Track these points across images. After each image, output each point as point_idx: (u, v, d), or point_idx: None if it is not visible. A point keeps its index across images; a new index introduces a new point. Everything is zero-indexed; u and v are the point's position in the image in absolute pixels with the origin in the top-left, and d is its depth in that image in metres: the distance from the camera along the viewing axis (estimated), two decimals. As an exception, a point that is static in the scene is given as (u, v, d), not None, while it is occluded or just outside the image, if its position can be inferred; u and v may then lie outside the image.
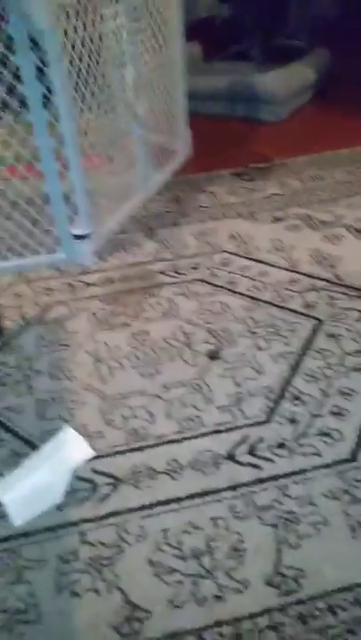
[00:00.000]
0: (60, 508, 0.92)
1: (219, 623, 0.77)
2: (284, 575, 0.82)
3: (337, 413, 1.06)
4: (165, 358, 1.21)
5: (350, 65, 2.97)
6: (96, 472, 0.98)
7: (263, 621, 0.77)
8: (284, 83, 2.40)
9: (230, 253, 1.56)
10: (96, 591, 0.81)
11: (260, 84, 2.39)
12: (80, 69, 1.38)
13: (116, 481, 0.96)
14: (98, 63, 1.46)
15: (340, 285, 1.40)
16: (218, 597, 0.80)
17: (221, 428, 1.04)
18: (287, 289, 1.41)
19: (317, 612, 0.78)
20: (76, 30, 1.32)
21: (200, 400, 1.10)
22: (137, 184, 1.79)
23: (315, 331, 1.27)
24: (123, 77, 1.60)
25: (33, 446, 1.03)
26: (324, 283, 1.42)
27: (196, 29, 2.95)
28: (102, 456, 1.00)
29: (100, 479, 0.96)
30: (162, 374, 1.17)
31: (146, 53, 1.69)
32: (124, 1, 1.50)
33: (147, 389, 1.13)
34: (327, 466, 0.97)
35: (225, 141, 2.29)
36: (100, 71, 1.48)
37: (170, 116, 1.94)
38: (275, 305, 1.35)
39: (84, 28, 1.37)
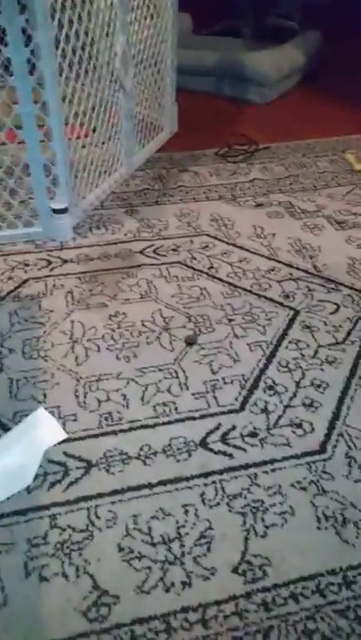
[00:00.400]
0: (29, 490, 0.91)
1: (185, 609, 0.78)
2: (250, 563, 0.84)
3: (309, 405, 1.08)
4: (142, 342, 1.20)
5: (342, 50, 2.95)
6: (68, 455, 0.97)
7: (229, 608, 0.79)
8: (274, 64, 2.37)
9: (211, 237, 1.55)
10: (65, 576, 0.81)
11: (249, 63, 2.35)
12: (68, 35, 1.32)
13: (87, 465, 0.95)
14: (87, 30, 1.40)
15: (319, 277, 1.41)
16: (185, 584, 0.81)
17: (195, 414, 1.05)
18: (266, 277, 1.41)
19: (281, 600, 0.80)
20: (65, -6, 1.26)
21: (175, 386, 1.10)
22: (120, 158, 1.75)
23: (291, 321, 1.28)
24: (112, 46, 1.54)
25: (4, 427, 1.01)
26: (302, 273, 1.43)
27: (187, 0, 2.86)
28: (75, 439, 0.99)
29: (71, 462, 0.96)
30: (138, 358, 1.16)
31: (137, 23, 1.63)
32: (117, -34, 1.43)
33: (122, 373, 1.12)
34: (297, 456, 0.99)
35: (210, 120, 2.25)
36: (88, 38, 1.42)
37: (158, 90, 1.89)
38: (253, 293, 1.35)
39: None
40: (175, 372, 1.13)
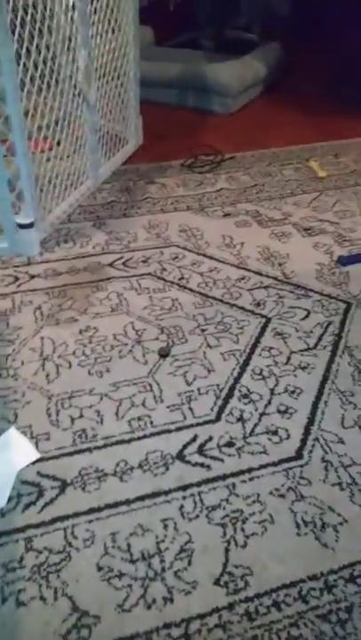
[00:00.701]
0: (3, 513, 0.89)
1: (168, 625, 0.77)
2: (231, 574, 0.83)
3: (283, 412, 1.09)
4: (115, 356, 1.19)
5: (301, 60, 3.02)
6: (42, 475, 0.95)
7: (212, 621, 0.78)
8: (236, 75, 2.40)
9: (181, 248, 1.56)
10: (43, 599, 0.79)
11: (211, 74, 2.38)
12: (29, 49, 1.31)
13: (62, 484, 0.94)
14: (48, 45, 1.39)
15: (288, 284, 1.43)
16: (167, 599, 0.80)
17: (171, 427, 1.04)
18: (236, 286, 1.42)
19: (263, 609, 0.80)
20: (25, 10, 1.26)
21: (150, 399, 1.09)
22: (86, 171, 1.74)
23: (263, 329, 1.29)
24: (74, 60, 1.54)
25: (-25, 448, 0.99)
26: (272, 280, 1.44)
27: (148, 13, 2.89)
28: (48, 458, 0.98)
29: (46, 482, 0.94)
30: (111, 372, 1.15)
31: (98, 37, 1.63)
32: (76, -19, 1.43)
33: (95, 388, 1.11)
34: (274, 464, 0.99)
35: (175, 131, 2.26)
36: (50, 53, 1.41)
37: (122, 103, 1.89)
38: (225, 302, 1.36)
39: (34, 7, 1.30)
40: (149, 385, 1.12)
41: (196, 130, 2.29)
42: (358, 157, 2.09)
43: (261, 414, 1.08)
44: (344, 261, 1.50)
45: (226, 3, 3.00)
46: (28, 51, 1.31)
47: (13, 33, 1.22)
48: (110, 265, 1.47)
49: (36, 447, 0.99)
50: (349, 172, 1.98)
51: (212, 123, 2.36)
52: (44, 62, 1.40)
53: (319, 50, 2.96)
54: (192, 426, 1.05)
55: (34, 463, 0.96)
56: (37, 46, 1.34)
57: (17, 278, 1.41)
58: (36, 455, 0.97)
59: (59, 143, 1.58)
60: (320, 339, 1.26)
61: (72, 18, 1.48)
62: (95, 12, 1.58)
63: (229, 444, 1.02)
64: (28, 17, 1.28)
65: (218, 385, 1.13)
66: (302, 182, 1.91)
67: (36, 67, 1.36)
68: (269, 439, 1.03)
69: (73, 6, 1.47)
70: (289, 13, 3.95)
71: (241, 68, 2.47)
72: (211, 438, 1.02)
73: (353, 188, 1.88)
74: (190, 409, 1.08)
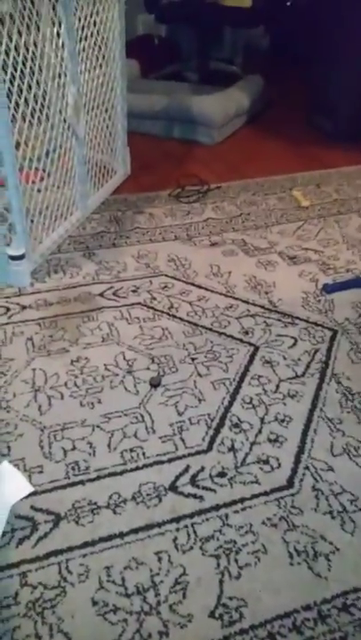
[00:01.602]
0: (-2, 549, 0.89)
1: (163, 661, 0.77)
2: (226, 606, 0.84)
3: (274, 440, 1.10)
4: (106, 386, 1.20)
5: (282, 91, 3.11)
6: (35, 509, 0.95)
7: (207, 655, 0.78)
8: (221, 107, 2.47)
9: (170, 277, 1.58)
10: (38, 637, 0.78)
11: (197, 106, 2.45)
12: (20, 87, 1.35)
13: (56, 517, 0.94)
14: (38, 81, 1.43)
15: (275, 312, 1.46)
16: (162, 633, 0.80)
17: (163, 458, 1.05)
18: (225, 314, 1.44)
19: (258, 642, 0.80)
20: (16, 49, 1.30)
21: (142, 430, 1.10)
22: (75, 202, 1.77)
23: (252, 357, 1.31)
24: (63, 96, 1.58)
25: (-32, 482, 0.98)
26: (259, 309, 1.47)
27: (134, 47, 2.97)
28: (42, 492, 0.98)
29: (39, 516, 0.94)
30: (102, 403, 1.16)
31: (87, 72, 1.68)
32: (66, 21, 1.48)
33: (87, 420, 1.12)
34: (266, 493, 1.00)
35: (162, 162, 2.31)
36: (40, 89, 1.45)
37: (109, 135, 1.94)
38: (214, 330, 1.38)
39: (25, 47, 1.34)
40: (141, 415, 1.14)
41: (183, 160, 2.35)
42: (339, 187, 2.16)
43: (252, 443, 1.09)
44: (329, 289, 1.54)
45: (209, 36, 3.10)
46: (20, 88, 1.35)
47: (6, 72, 1.26)
48: (101, 295, 1.49)
49: (30, 480, 0.99)
50: (331, 201, 2.04)
51: (197, 153, 2.42)
52: (35, 99, 1.44)
53: (298, 82, 3.06)
54: (184, 456, 1.06)
55: (27, 497, 0.96)
56: (29, 84, 1.38)
57: (8, 309, 1.42)
58: (29, 489, 0.97)
59: (49, 175, 1.61)
60: (308, 366, 1.28)
61: (61, 56, 1.52)
62: (84, 50, 1.63)
63: (221, 475, 1.03)
64: (20, 57, 1.32)
65: (209, 414, 1.15)
66: (286, 211, 1.96)
67: (27, 103, 1.39)
68: (261, 468, 1.04)
69: (62, 45, 1.51)
70: (269, 47, 4.09)
71: (225, 99, 2.54)
72: (203, 469, 1.04)
73: (335, 216, 1.94)
74: (182, 439, 1.09)
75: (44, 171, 1.57)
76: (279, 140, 2.59)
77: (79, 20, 1.57)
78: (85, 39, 1.64)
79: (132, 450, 1.06)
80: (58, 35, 1.48)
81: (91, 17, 1.64)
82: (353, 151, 2.46)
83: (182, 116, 2.49)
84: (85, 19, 1.60)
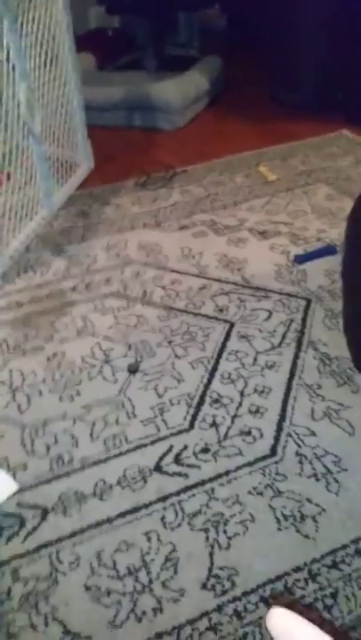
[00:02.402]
0: (-13, 547, 0.89)
1: (159, 635, 0.78)
2: (218, 577, 0.85)
3: (255, 412, 1.11)
4: (84, 378, 1.20)
5: (241, 70, 3.10)
6: (22, 506, 0.95)
7: (202, 624, 0.79)
8: (179, 91, 2.46)
9: (141, 264, 1.58)
10: (33, 627, 0.79)
11: (155, 93, 2.43)
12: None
13: (43, 511, 0.94)
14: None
15: (248, 287, 1.46)
16: (157, 610, 0.81)
17: (146, 441, 1.06)
18: (199, 295, 1.45)
19: (252, 606, 0.81)
20: None
21: (123, 416, 1.11)
22: (39, 201, 1.76)
23: (228, 333, 1.32)
24: (15, 95, 1.56)
25: None
26: (232, 286, 1.47)
27: (87, 40, 2.95)
28: (27, 488, 0.98)
29: (27, 512, 0.94)
30: (82, 395, 1.16)
31: (37, 69, 1.67)
32: (9, 19, 1.47)
33: (68, 413, 1.12)
34: (250, 464, 1.01)
35: (125, 152, 2.30)
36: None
37: (68, 130, 1.92)
38: (189, 312, 1.39)
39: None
40: (121, 402, 1.14)
41: (146, 148, 2.33)
42: (305, 158, 2.15)
43: (234, 417, 1.10)
44: (300, 260, 1.55)
45: (163, 23, 3.08)
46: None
47: None
48: (73, 289, 1.49)
49: (14, 479, 0.99)
50: (298, 173, 2.04)
51: (160, 140, 2.41)
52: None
53: (258, 59, 3.04)
54: (167, 437, 1.06)
55: (13, 495, 0.97)
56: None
57: (-19, 313, 1.42)
58: (14, 487, 0.97)
59: (9, 177, 1.60)
60: (284, 337, 1.29)
61: (7, 54, 1.51)
62: (31, 46, 1.62)
63: (205, 450, 1.04)
64: None
65: (189, 394, 1.15)
66: (254, 188, 1.96)
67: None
68: (243, 440, 1.05)
69: (7, 44, 1.50)
70: (226, 27, 4.07)
71: (183, 83, 2.53)
72: (186, 447, 1.04)
73: (303, 187, 1.94)
74: (164, 421, 1.10)
75: (1, 172, 1.56)
76: (242, 118, 2.58)
77: (22, 14, 1.55)
78: (31, 34, 1.62)
79: (114, 437, 1.07)
80: (1, 32, 1.47)
81: (34, 10, 1.62)
82: (317, 121, 2.45)
83: (142, 103, 2.47)
84: (28, 12, 1.58)
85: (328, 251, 1.58)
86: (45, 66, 1.75)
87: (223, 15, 4.09)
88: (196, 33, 3.56)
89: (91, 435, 1.07)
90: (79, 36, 1.88)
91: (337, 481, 0.97)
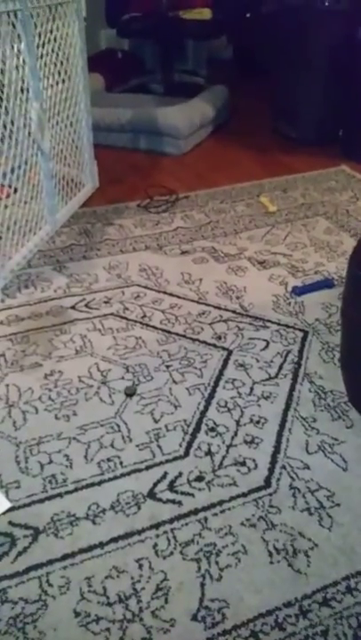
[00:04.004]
0: (-24, 567, 0.88)
1: (148, 667, 0.77)
2: (208, 608, 0.84)
3: (250, 442, 1.12)
4: (81, 398, 1.20)
5: (246, 101, 3.17)
6: (13, 525, 0.94)
7: (191, 659, 0.79)
8: (185, 117, 2.51)
9: (142, 287, 1.59)
10: (20, 652, 0.78)
11: (161, 117, 2.48)
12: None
13: (35, 532, 0.93)
14: (1, 98, 1.44)
15: (246, 316, 1.48)
16: (146, 640, 0.80)
17: (141, 466, 1.05)
18: (198, 321, 1.46)
19: (242, 641, 0.81)
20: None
21: (118, 439, 1.11)
22: (44, 217, 1.78)
23: (225, 361, 1.33)
24: (26, 113, 1.59)
25: None
26: (231, 314, 1.49)
27: (97, 61, 3.00)
28: (19, 507, 0.97)
29: (18, 532, 0.93)
30: (78, 415, 1.16)
31: (50, 88, 1.69)
32: (26, 38, 1.50)
33: (63, 432, 1.12)
34: (244, 495, 1.01)
35: (130, 174, 2.33)
36: (2, 107, 1.46)
37: (76, 149, 1.95)
38: (187, 337, 1.40)
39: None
40: (117, 425, 1.14)
41: (150, 171, 2.37)
42: (305, 191, 2.20)
43: (229, 446, 1.10)
44: (298, 291, 1.57)
45: (172, 49, 3.15)
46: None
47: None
48: (72, 307, 1.50)
49: (7, 496, 0.98)
50: (298, 206, 2.08)
51: (165, 164, 2.45)
52: (-2, 116, 1.44)
53: (261, 91, 3.11)
54: (162, 463, 1.06)
55: (5, 513, 0.96)
56: (-9, 101, 1.39)
57: (-21, 326, 1.42)
58: (6, 505, 0.96)
59: (15, 190, 1.62)
60: (280, 368, 1.30)
61: (23, 73, 1.53)
62: (45, 66, 1.65)
63: (199, 479, 1.04)
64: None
65: (185, 420, 1.16)
66: (254, 217, 2.00)
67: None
68: (238, 470, 1.05)
69: (23, 62, 1.52)
70: (232, 57, 4.17)
71: (189, 110, 2.58)
72: (180, 474, 1.04)
73: (302, 220, 1.98)
74: (159, 446, 1.10)
75: (10, 187, 1.57)
76: (245, 147, 2.64)
77: (39, 36, 1.58)
78: (47, 55, 1.66)
79: (109, 460, 1.06)
80: (19, 52, 1.49)
81: (51, 33, 1.65)
82: (317, 156, 2.51)
83: (148, 127, 2.52)
84: (45, 35, 1.62)
85: (326, 284, 1.61)
86: (58, 85, 1.78)
87: (229, 45, 4.21)
88: (204, 61, 3.65)
89: (85, 456, 1.07)
90: (89, 56, 1.91)
91: (330, 516, 0.97)
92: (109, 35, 3.55)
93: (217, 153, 2.59)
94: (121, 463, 1.06)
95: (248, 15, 3.76)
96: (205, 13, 2.78)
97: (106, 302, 1.52)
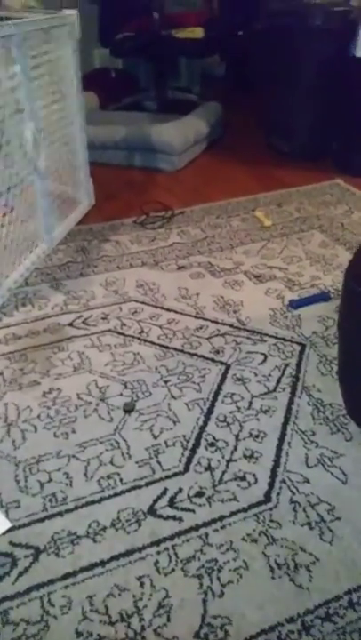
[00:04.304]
0: (-23, 588, 0.88)
1: None
2: (211, 625, 0.84)
3: (250, 456, 1.12)
4: (80, 415, 1.20)
5: (239, 118, 3.21)
6: (14, 544, 0.94)
7: None
8: (179, 134, 2.54)
9: (139, 302, 1.60)
10: (22, 675, 0.77)
11: (156, 135, 2.51)
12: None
13: (36, 551, 0.93)
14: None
15: (244, 330, 1.49)
16: (148, 660, 0.80)
17: (141, 483, 1.05)
18: (195, 335, 1.47)
19: (245, 659, 0.80)
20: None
21: (118, 456, 1.11)
22: (40, 235, 1.79)
23: (224, 375, 1.33)
24: (22, 133, 1.61)
25: None
26: (228, 328, 1.50)
27: (91, 80, 3.05)
28: (20, 526, 0.97)
29: (18, 551, 0.93)
30: (77, 433, 1.16)
31: (45, 108, 1.72)
32: (22, 62, 1.52)
33: (62, 450, 1.12)
34: (244, 510, 1.01)
35: (126, 190, 2.36)
36: (-2, 128, 1.48)
37: (71, 167, 1.97)
38: (185, 352, 1.40)
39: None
40: (116, 442, 1.14)
41: (146, 188, 2.39)
42: (300, 205, 2.22)
43: (228, 461, 1.10)
44: (295, 305, 1.58)
45: (165, 67, 3.20)
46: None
47: None
48: (70, 324, 1.50)
49: (7, 516, 0.98)
50: (293, 220, 2.10)
51: (160, 180, 2.47)
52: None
53: (255, 107, 3.16)
54: (161, 479, 1.06)
55: (5, 533, 0.96)
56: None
57: (-23, 345, 1.42)
58: (6, 525, 0.96)
59: (12, 209, 1.63)
60: (279, 381, 1.31)
61: (19, 95, 1.56)
62: (40, 87, 1.67)
63: (199, 494, 1.04)
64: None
65: (184, 435, 1.16)
66: (250, 232, 2.01)
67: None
68: (238, 485, 1.06)
69: (19, 84, 1.55)
70: (225, 74, 4.23)
71: (183, 127, 2.61)
72: (181, 490, 1.04)
73: (297, 234, 2.00)
74: (159, 462, 1.10)
75: (6, 206, 1.58)
76: (239, 163, 2.67)
77: (34, 58, 1.61)
78: (42, 77, 1.68)
79: (108, 477, 1.06)
80: (14, 75, 1.52)
81: (45, 55, 1.68)
82: (311, 170, 2.54)
83: (142, 144, 2.54)
84: (40, 57, 1.64)
85: (322, 297, 1.62)
86: (53, 105, 1.80)
87: (222, 62, 4.27)
88: (197, 78, 3.71)
89: (85, 474, 1.07)
90: (83, 75, 1.94)
91: (331, 530, 0.97)
92: (103, 54, 3.60)
93: (211, 168, 2.62)
94: (121, 480, 1.06)
95: (240, 33, 3.82)
96: (198, 32, 2.83)
97: (103, 319, 1.53)
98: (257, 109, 3.05)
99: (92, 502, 1.01)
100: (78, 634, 0.82)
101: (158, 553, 0.93)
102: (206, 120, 2.80)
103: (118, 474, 1.07)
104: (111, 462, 1.09)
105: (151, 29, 2.81)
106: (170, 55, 3.00)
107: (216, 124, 2.90)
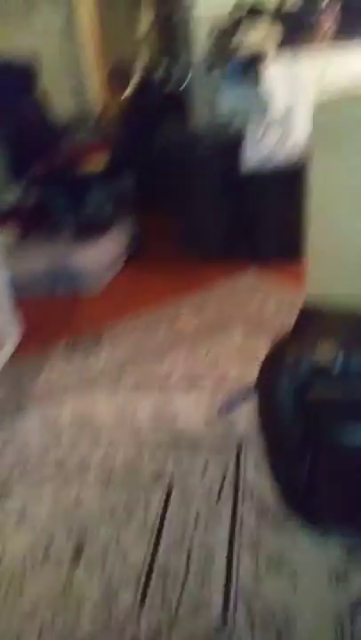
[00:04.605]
0: None
1: None
2: None
3: (201, 582, 1.12)
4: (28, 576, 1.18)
5: (154, 228, 3.42)
6: None
7: None
8: (96, 257, 2.69)
9: (75, 436, 1.62)
10: None
11: (74, 261, 2.65)
12: None
13: None
14: None
15: (181, 445, 1.52)
16: None
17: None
18: (135, 462, 1.48)
19: None
20: None
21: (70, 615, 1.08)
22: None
23: (167, 498, 1.34)
24: None
25: None
26: (166, 445, 1.53)
27: (7, 216, 3.24)
28: None
29: None
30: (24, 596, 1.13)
31: None
32: None
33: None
34: (204, 640, 1.00)
35: (53, 319, 2.43)
36: None
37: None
38: (125, 484, 1.41)
39: None
40: (68, 598, 1.11)
41: (72, 314, 2.48)
42: (219, 306, 2.36)
43: (181, 591, 1.10)
44: (226, 408, 1.65)
45: (76, 192, 3.41)
46: None
47: None
48: (7, 478, 1.49)
49: None
50: (215, 319, 2.23)
51: (84, 304, 2.57)
52: None
53: (168, 216, 3.37)
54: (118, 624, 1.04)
55: None
56: None
57: None
58: None
59: None
60: (220, 492, 1.34)
61: None
62: None
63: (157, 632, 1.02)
64: None
65: (136, 571, 1.15)
66: (176, 340, 2.10)
67: None
68: (195, 612, 1.05)
69: None
70: (136, 190, 4.54)
71: (98, 250, 2.78)
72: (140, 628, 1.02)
73: (220, 332, 2.11)
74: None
75: None
76: (158, 273, 2.82)
77: None
78: None
79: (63, 636, 1.03)
80: None
81: None
82: (227, 266, 2.70)
83: (63, 271, 2.67)
84: None
85: (250, 393, 1.69)
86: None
87: (132, 180, 4.58)
88: (110, 199, 3.96)
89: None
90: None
91: (290, 642, 0.98)
92: (17, 187, 3.81)
93: (133, 284, 2.76)
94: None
95: (142, 151, 4.15)
96: (101, 163, 3.10)
97: (40, 460, 1.53)
98: (171, 219, 3.26)
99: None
100: None
101: None
102: (122, 238, 2.98)
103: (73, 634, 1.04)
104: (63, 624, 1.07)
105: (57, 170, 3.06)
106: (79, 190, 3.22)
107: (132, 239, 3.09)
